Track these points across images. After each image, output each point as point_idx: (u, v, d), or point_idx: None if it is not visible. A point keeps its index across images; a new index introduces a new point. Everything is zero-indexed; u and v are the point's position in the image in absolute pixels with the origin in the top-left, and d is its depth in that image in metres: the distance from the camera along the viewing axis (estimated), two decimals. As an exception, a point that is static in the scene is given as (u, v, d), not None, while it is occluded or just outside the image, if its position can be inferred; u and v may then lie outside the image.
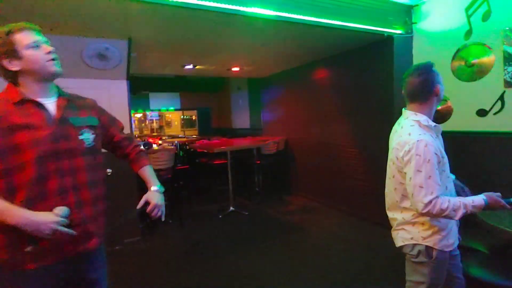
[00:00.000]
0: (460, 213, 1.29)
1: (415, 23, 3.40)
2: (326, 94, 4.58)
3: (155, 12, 2.57)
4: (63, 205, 1.10)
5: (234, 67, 5.24)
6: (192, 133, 8.77)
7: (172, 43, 3.61)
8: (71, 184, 1.16)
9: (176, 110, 9.01)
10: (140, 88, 7.38)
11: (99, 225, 1.27)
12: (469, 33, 2.94)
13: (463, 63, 3.01)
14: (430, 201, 1.28)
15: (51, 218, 1.04)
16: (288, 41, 3.68)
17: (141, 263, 3.09)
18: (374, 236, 3.45)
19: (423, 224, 1.41)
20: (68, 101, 1.24)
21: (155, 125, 9.39)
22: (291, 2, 2.71)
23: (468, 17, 2.94)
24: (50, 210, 1.08)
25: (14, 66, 1.11)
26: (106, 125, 1.37)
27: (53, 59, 1.16)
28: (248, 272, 2.82)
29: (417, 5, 3.33)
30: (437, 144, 1.39)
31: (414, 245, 1.43)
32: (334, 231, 3.76)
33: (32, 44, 1.12)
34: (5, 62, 1.10)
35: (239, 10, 2.54)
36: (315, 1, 2.80)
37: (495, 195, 1.32)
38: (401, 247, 1.51)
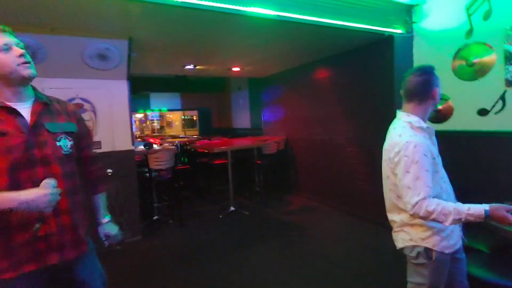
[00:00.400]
0: (450, 219, 1.23)
1: (416, 22, 3.39)
2: (327, 94, 4.58)
3: (155, 12, 2.57)
4: (39, 216, 1.06)
5: (234, 67, 5.24)
6: (193, 133, 8.77)
7: (173, 43, 3.61)
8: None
9: (176, 110, 9.02)
10: (141, 88, 7.38)
11: (78, 234, 1.22)
12: (470, 32, 2.94)
13: (464, 62, 3.00)
14: (416, 202, 1.26)
15: (43, 192, 1.02)
16: (289, 41, 3.68)
17: (142, 263, 3.08)
18: (375, 236, 3.44)
19: (421, 225, 1.40)
20: (45, 105, 1.19)
21: (156, 125, 9.39)
22: (292, 2, 2.70)
23: (469, 16, 2.93)
24: (24, 221, 1.05)
25: None
26: (79, 135, 1.29)
27: (25, 62, 1.10)
28: (248, 272, 2.82)
29: (417, 5, 3.32)
30: (429, 145, 1.38)
31: (414, 246, 1.43)
32: (335, 231, 3.76)
33: (2, 47, 1.06)
34: None
35: (239, 10, 2.53)
36: (315, 1, 2.80)
37: (503, 208, 1.21)
38: (402, 248, 1.50)
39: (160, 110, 8.88)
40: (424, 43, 3.37)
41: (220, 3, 2.42)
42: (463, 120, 3.07)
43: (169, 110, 8.94)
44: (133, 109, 3.67)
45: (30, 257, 1.09)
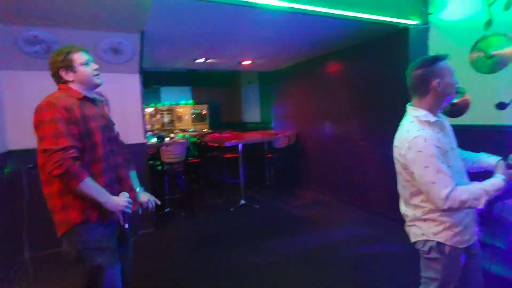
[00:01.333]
0: (483, 201, 1.25)
1: (432, 13, 3.30)
2: (338, 88, 4.52)
3: (167, 5, 2.58)
4: (116, 177, 1.55)
5: (245, 60, 5.21)
6: (203, 128, 8.79)
7: (184, 36, 3.61)
8: (116, 162, 1.57)
9: (187, 104, 9.05)
10: (152, 82, 7.43)
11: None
12: (489, 23, 2.84)
13: (482, 54, 2.91)
14: (447, 196, 1.24)
15: (123, 202, 1.44)
16: (301, 33, 3.64)
17: (154, 254, 3.14)
18: (386, 231, 3.41)
19: (434, 220, 1.38)
20: (102, 103, 1.68)
21: (166, 119, 9.45)
22: (304, -7, 2.67)
23: (489, 6, 2.83)
24: (111, 179, 1.51)
25: (69, 77, 1.49)
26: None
27: (98, 74, 1.55)
28: (258, 265, 2.84)
29: (434, -5, 3.23)
30: (440, 138, 1.36)
31: (426, 241, 1.41)
32: (345, 226, 3.74)
33: (85, 62, 1.51)
34: (63, 73, 1.49)
35: (252, 2, 2.51)
36: (329, -8, 2.75)
37: (506, 167, 1.36)
38: (414, 243, 1.49)
39: (170, 104, 8.92)
40: (440, 34, 3.28)
41: (233, -5, 2.41)
42: (481, 114, 2.99)
43: (179, 104, 8.98)
44: (143, 103, 3.70)
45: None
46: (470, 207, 1.27)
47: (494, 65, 2.83)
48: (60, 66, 1.47)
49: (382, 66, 3.76)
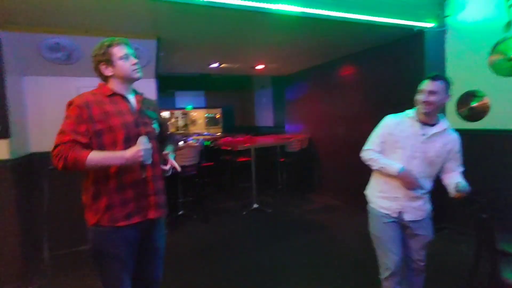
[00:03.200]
0: (376, 166, 1.85)
1: (449, 15, 3.24)
2: (352, 92, 4.48)
3: (183, 11, 2.64)
4: (142, 179, 1.45)
5: (259, 64, 5.25)
6: (216, 131, 8.88)
7: (199, 41, 3.68)
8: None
9: (201, 108, 9.17)
10: (167, 87, 7.57)
11: (164, 198, 1.59)
12: (509, 25, 2.77)
13: (502, 57, 2.84)
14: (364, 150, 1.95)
15: (137, 148, 1.33)
16: (314, 37, 3.64)
17: (166, 256, 3.17)
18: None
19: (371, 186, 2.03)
20: (143, 97, 1.59)
21: (180, 123, 9.61)
22: (317, -2, 2.68)
23: (509, 7, 2.76)
24: (137, 179, 1.44)
25: (108, 71, 1.46)
26: (160, 122, 1.68)
27: (137, 69, 1.49)
28: (270, 269, 2.83)
29: (451, -3, 3.18)
30: (393, 125, 1.87)
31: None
32: (358, 231, 3.67)
33: (124, 56, 1.46)
34: (103, 68, 1.46)
35: (265, 8, 2.54)
36: (342, -4, 2.75)
37: (413, 176, 1.70)
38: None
39: (184, 108, 9.07)
40: (458, 37, 3.22)
41: (246, 1, 2.44)
42: (501, 118, 2.90)
43: (194, 108, 9.11)
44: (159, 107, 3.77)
45: (137, 211, 1.45)
46: (369, 165, 1.91)
47: (515, 68, 2.75)
48: (100, 60, 1.45)
49: (397, 69, 3.71)
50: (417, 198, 1.78)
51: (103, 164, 1.34)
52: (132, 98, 1.53)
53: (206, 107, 9.17)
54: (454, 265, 2.70)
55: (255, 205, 4.55)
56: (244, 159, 5.09)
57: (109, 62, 1.44)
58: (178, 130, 9.31)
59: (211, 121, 9.40)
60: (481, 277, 1.99)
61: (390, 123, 1.86)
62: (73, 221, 2.87)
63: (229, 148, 5.05)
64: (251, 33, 3.44)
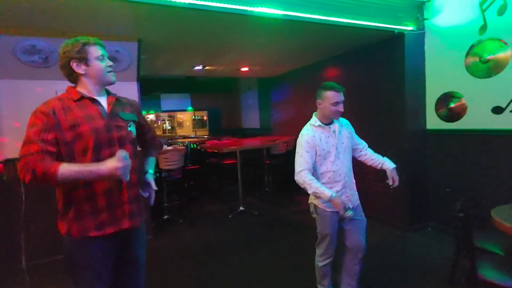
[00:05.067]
0: (311, 191, 1.96)
1: (427, 19, 3.32)
2: (336, 93, 4.52)
3: (163, 14, 2.60)
4: (117, 189, 1.36)
5: (243, 67, 5.25)
6: (203, 133, 8.83)
7: (181, 44, 3.65)
8: None
9: (186, 111, 9.10)
10: (151, 90, 7.48)
11: (141, 205, 1.50)
12: (483, 28, 2.86)
13: (477, 59, 2.92)
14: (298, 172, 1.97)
15: (115, 164, 1.22)
16: (297, 40, 3.66)
17: (152, 261, 3.12)
18: (389, 239, 3.38)
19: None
20: (116, 99, 1.48)
21: (167, 125, 9.50)
22: (299, 1, 2.69)
23: (483, 11, 2.85)
24: (107, 189, 1.33)
25: (81, 70, 1.37)
26: (140, 124, 1.60)
27: (112, 71, 1.44)
28: (257, 273, 2.81)
29: (429, 0, 3.26)
30: (321, 137, 2.02)
31: (310, 203, 2.26)
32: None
33: (100, 57, 1.40)
34: (75, 65, 1.36)
35: (246, 10, 2.54)
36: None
37: (342, 200, 1.92)
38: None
39: (170, 111, 8.98)
40: (436, 40, 3.30)
41: (227, 3, 2.43)
42: (477, 118, 2.99)
43: (179, 110, 9.03)
44: (144, 110, 3.72)
45: (110, 221, 1.36)
46: (304, 188, 1.96)
47: (490, 69, 2.84)
48: (73, 57, 1.35)
49: (379, 71, 3.77)
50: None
51: (77, 179, 1.23)
52: (103, 101, 1.43)
53: (192, 109, 9.12)
54: (436, 263, 2.76)
55: (242, 208, 4.53)
56: (230, 161, 5.07)
57: (83, 60, 1.36)
58: (165, 133, 9.21)
59: (198, 123, 9.34)
60: (462, 274, 2.03)
61: (308, 138, 1.99)
62: (51, 229, 2.76)
63: (215, 151, 5.02)
64: (234, 36, 3.44)
